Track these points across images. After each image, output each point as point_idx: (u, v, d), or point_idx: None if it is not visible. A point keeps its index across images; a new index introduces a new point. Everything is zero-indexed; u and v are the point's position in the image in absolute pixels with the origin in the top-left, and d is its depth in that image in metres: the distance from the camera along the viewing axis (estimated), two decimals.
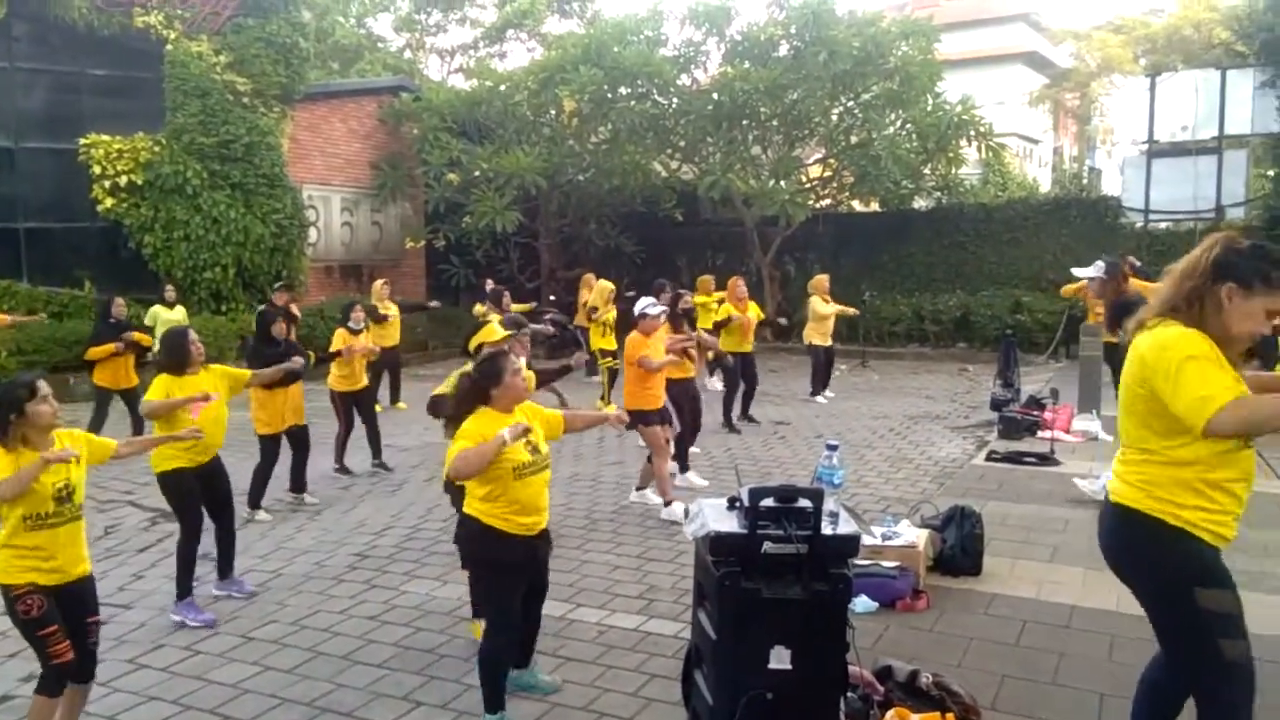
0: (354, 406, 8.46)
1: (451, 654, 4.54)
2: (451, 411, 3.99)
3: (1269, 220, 15.29)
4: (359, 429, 8.50)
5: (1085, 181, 28.49)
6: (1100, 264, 8.29)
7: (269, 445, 7.12)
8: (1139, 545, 2.75)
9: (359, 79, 22.35)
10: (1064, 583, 5.26)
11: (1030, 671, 4.16)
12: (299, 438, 7.33)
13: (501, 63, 23.98)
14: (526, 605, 4.00)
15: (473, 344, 5.23)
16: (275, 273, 14.42)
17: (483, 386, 3.82)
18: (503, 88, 18.15)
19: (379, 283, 11.77)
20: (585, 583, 5.51)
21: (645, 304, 7.23)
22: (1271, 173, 16.47)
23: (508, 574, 3.82)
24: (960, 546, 5.39)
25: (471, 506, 3.82)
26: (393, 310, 11.29)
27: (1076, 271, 9.36)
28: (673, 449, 7.42)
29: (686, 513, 3.36)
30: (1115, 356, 10.39)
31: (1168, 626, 2.77)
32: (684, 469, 7.88)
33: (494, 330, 5.22)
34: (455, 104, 17.68)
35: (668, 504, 6.82)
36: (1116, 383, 12.00)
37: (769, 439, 9.78)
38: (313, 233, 16.20)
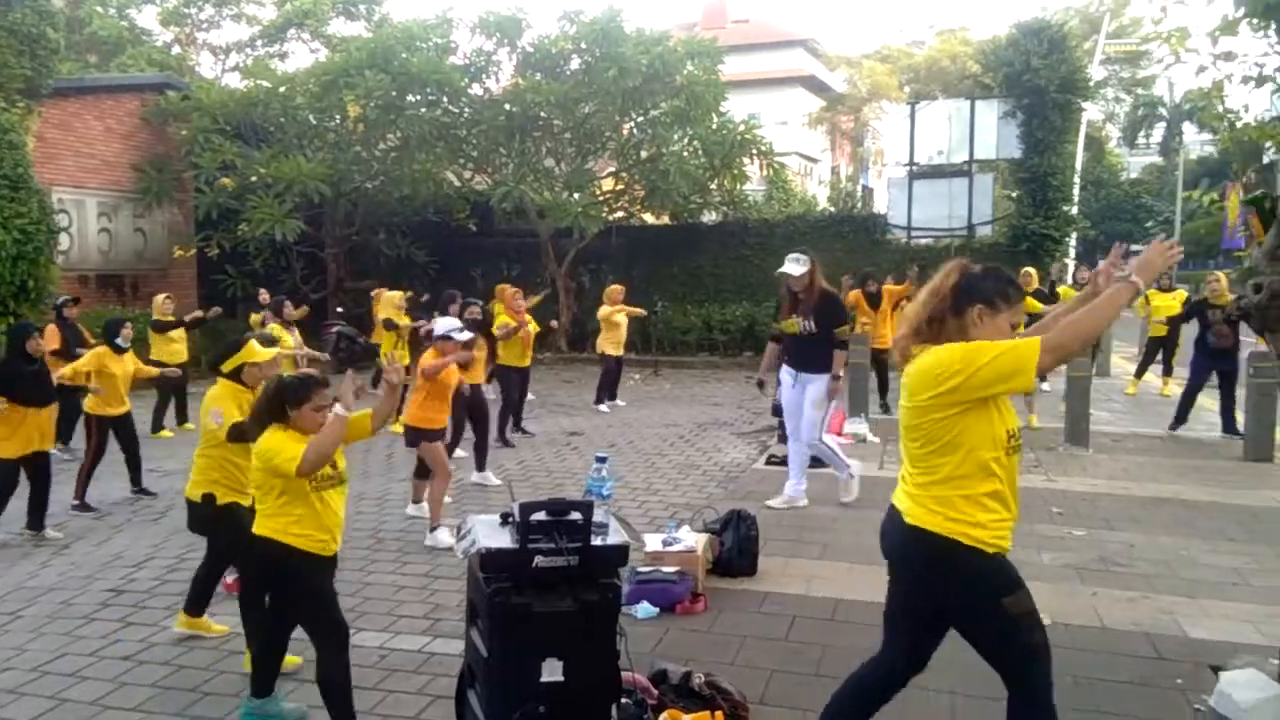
0: (113, 431, 7.69)
1: (217, 691, 4.25)
2: (251, 424, 3.71)
3: (1012, 238, 16.97)
4: (111, 457, 7.74)
5: (858, 199, 30.48)
6: (798, 257, 7.16)
7: (8, 470, 6.41)
8: (941, 566, 2.86)
9: (119, 74, 20.64)
10: (831, 578, 5.59)
11: (797, 664, 4.39)
12: (38, 466, 6.63)
13: (282, 63, 22.85)
14: (282, 630, 3.86)
15: (228, 366, 4.67)
16: (19, 283, 13.05)
17: (283, 402, 3.59)
18: (282, 89, 17.31)
19: (161, 297, 10.99)
20: (368, 605, 5.33)
21: (448, 326, 6.88)
22: (1014, 194, 18.28)
23: (323, 590, 3.66)
24: (737, 549, 5.61)
25: (266, 528, 3.60)
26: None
27: (781, 270, 7.69)
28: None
29: (458, 530, 3.32)
30: (880, 362, 11.08)
31: (982, 636, 2.90)
32: (481, 467, 8.21)
33: (254, 350, 4.69)
34: (229, 104, 16.69)
35: (434, 529, 6.48)
36: (881, 388, 12.51)
37: (562, 450, 9.82)
38: (64, 239, 14.79)
